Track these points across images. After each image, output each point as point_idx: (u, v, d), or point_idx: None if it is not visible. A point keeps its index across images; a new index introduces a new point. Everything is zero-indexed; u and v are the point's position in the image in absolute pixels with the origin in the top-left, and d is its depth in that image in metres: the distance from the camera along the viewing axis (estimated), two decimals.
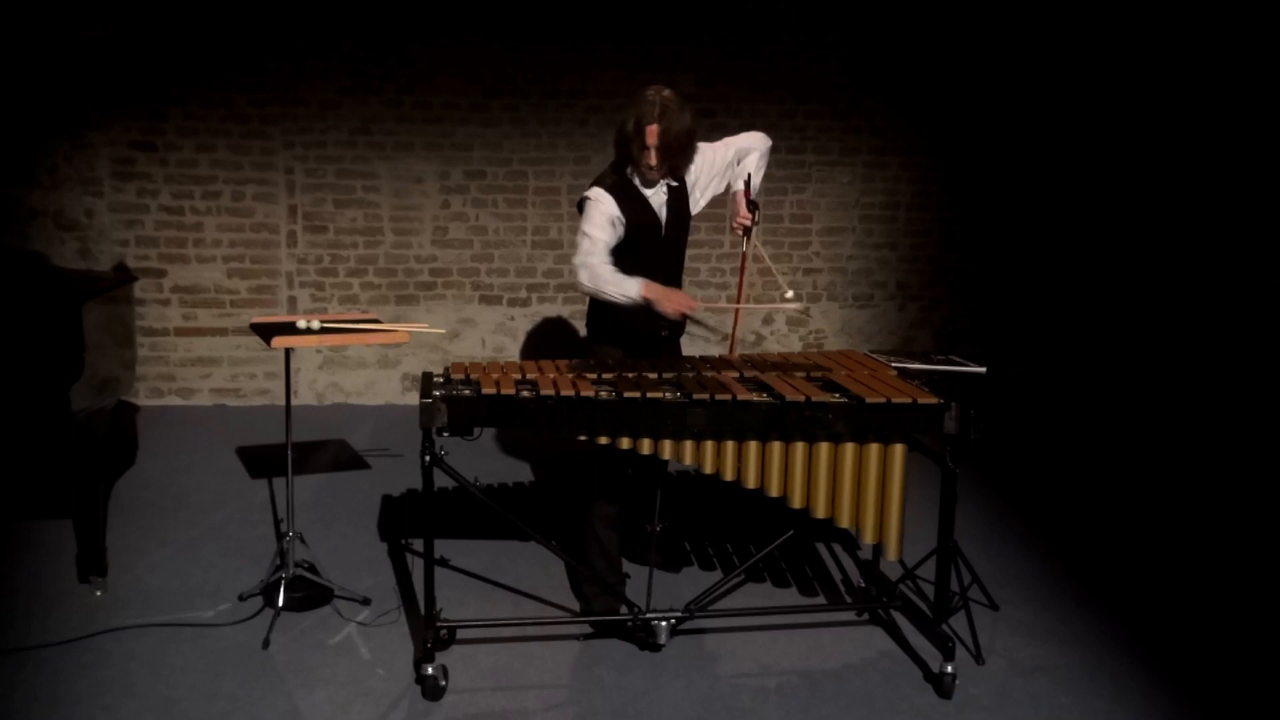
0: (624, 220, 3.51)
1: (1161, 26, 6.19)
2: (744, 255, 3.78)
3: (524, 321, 6.18)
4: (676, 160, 3.50)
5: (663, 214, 3.59)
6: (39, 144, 5.63)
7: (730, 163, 3.74)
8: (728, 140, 3.77)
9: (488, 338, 6.16)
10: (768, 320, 6.39)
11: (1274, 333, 5.76)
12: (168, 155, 5.77)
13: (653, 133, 3.40)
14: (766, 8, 6.08)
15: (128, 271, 5.62)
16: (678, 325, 3.66)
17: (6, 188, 5.63)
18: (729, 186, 3.77)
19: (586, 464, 3.65)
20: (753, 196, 3.68)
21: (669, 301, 3.41)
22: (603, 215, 3.49)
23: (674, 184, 3.60)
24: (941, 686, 3.22)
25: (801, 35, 6.13)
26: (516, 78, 5.95)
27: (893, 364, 3.58)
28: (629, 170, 3.54)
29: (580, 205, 3.57)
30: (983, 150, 6.38)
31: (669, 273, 3.65)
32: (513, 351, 6.18)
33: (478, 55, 5.90)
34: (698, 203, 3.72)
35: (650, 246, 3.58)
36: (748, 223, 3.67)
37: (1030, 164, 6.40)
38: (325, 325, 3.63)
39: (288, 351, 3.67)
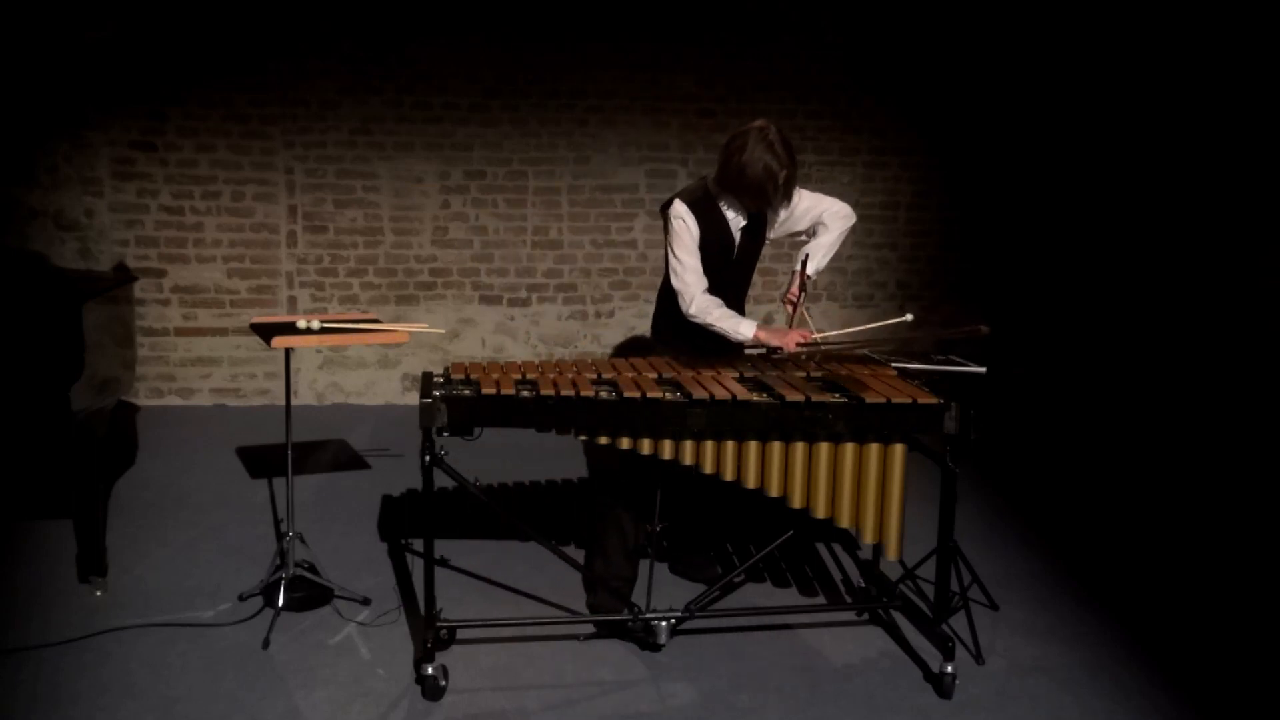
0: (699, 239, 3.53)
1: (1161, 26, 6.18)
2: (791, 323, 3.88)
3: (524, 321, 6.18)
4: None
5: (738, 237, 3.61)
6: (39, 144, 5.64)
7: (804, 227, 3.77)
8: (817, 200, 3.77)
9: (488, 338, 6.16)
10: (767, 320, 6.39)
11: (1274, 333, 5.76)
12: (168, 155, 5.77)
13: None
14: (766, 8, 6.08)
15: (128, 271, 5.62)
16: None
17: (6, 188, 5.63)
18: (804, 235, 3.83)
19: (610, 463, 3.55)
20: (811, 276, 3.74)
21: (784, 339, 3.46)
22: (690, 236, 3.51)
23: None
24: (941, 686, 3.22)
25: (801, 35, 6.13)
26: (516, 78, 5.95)
27: (893, 364, 3.58)
28: (716, 191, 3.55)
29: (664, 217, 3.57)
30: (983, 150, 6.38)
31: (735, 292, 3.68)
32: (513, 351, 6.18)
33: (478, 55, 5.90)
34: (771, 230, 3.73)
35: (721, 266, 3.59)
36: (794, 300, 3.73)
37: (1030, 164, 6.41)
38: (325, 325, 3.63)
39: (288, 351, 3.67)
